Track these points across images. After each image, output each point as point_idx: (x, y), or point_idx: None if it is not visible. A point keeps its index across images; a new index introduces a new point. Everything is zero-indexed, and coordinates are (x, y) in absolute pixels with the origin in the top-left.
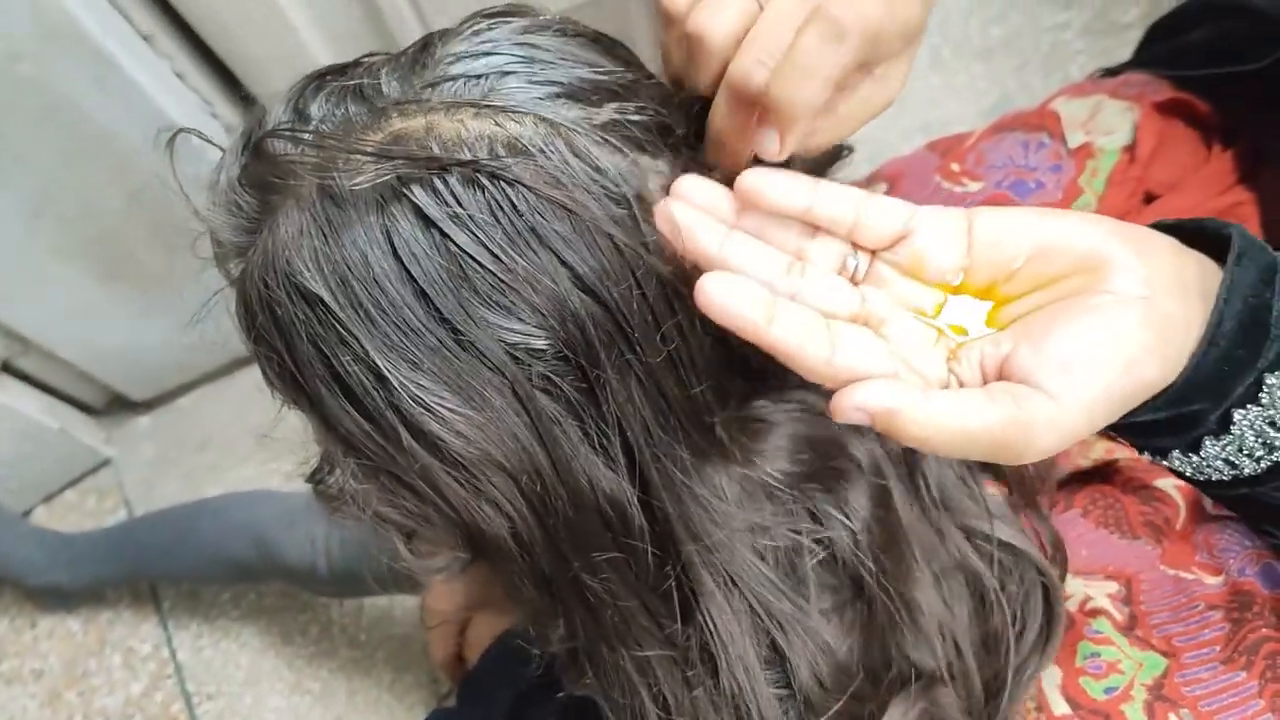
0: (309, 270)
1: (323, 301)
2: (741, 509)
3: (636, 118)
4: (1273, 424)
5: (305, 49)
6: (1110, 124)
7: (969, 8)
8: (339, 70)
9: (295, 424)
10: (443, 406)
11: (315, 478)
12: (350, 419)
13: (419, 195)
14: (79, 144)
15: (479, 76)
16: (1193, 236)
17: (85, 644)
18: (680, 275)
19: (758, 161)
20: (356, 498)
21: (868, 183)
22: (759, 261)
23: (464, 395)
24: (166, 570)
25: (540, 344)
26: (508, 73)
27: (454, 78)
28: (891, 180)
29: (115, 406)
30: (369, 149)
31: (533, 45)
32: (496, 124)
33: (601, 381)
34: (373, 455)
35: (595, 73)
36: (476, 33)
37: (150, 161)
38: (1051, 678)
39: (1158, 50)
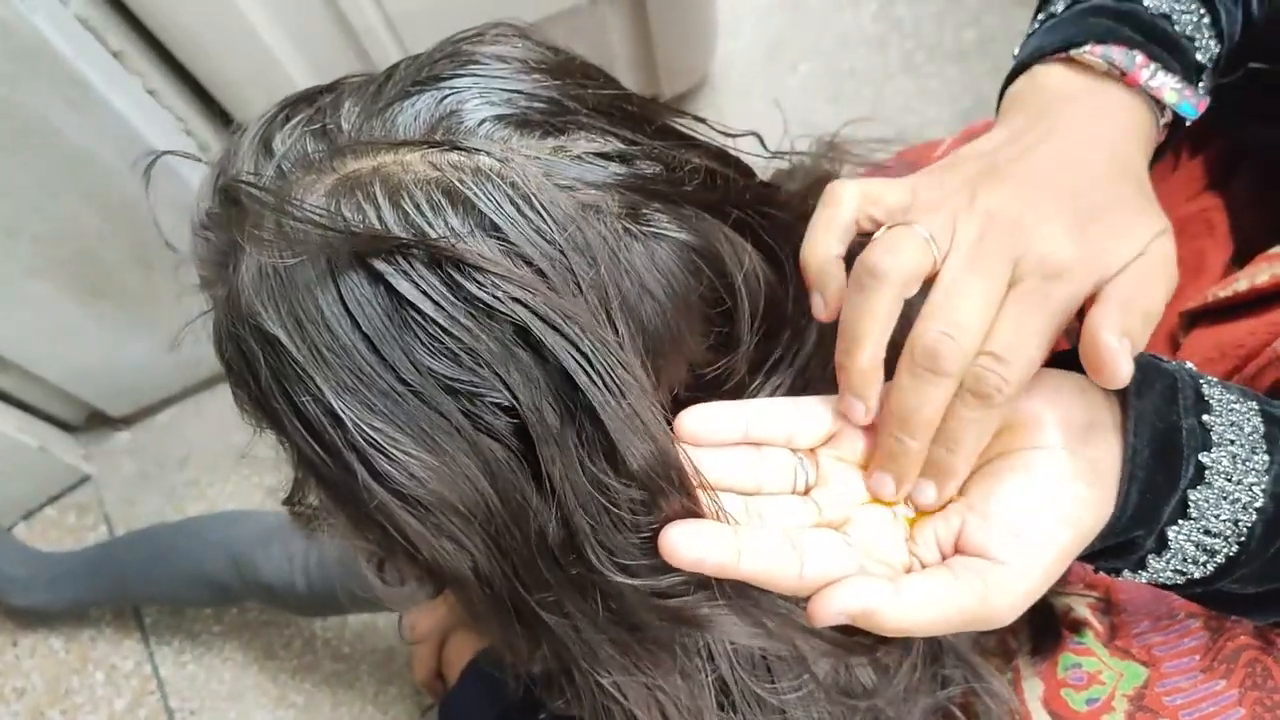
0: (267, 312)
1: (280, 342)
2: None
3: (608, 163)
4: (1207, 533)
5: (279, 65)
6: None
7: (942, 11)
8: (309, 98)
9: (274, 441)
10: (396, 449)
11: (291, 500)
12: (314, 452)
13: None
14: (53, 163)
15: (440, 113)
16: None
17: (68, 661)
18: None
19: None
20: (329, 522)
21: None
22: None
23: (417, 438)
24: (146, 593)
25: (483, 391)
26: (464, 106)
27: (410, 111)
28: None
29: (94, 423)
30: (314, 216)
31: (494, 76)
32: (443, 167)
33: (540, 435)
34: (338, 487)
35: (562, 102)
36: (436, 60)
37: (125, 180)
38: (1033, 690)
39: None
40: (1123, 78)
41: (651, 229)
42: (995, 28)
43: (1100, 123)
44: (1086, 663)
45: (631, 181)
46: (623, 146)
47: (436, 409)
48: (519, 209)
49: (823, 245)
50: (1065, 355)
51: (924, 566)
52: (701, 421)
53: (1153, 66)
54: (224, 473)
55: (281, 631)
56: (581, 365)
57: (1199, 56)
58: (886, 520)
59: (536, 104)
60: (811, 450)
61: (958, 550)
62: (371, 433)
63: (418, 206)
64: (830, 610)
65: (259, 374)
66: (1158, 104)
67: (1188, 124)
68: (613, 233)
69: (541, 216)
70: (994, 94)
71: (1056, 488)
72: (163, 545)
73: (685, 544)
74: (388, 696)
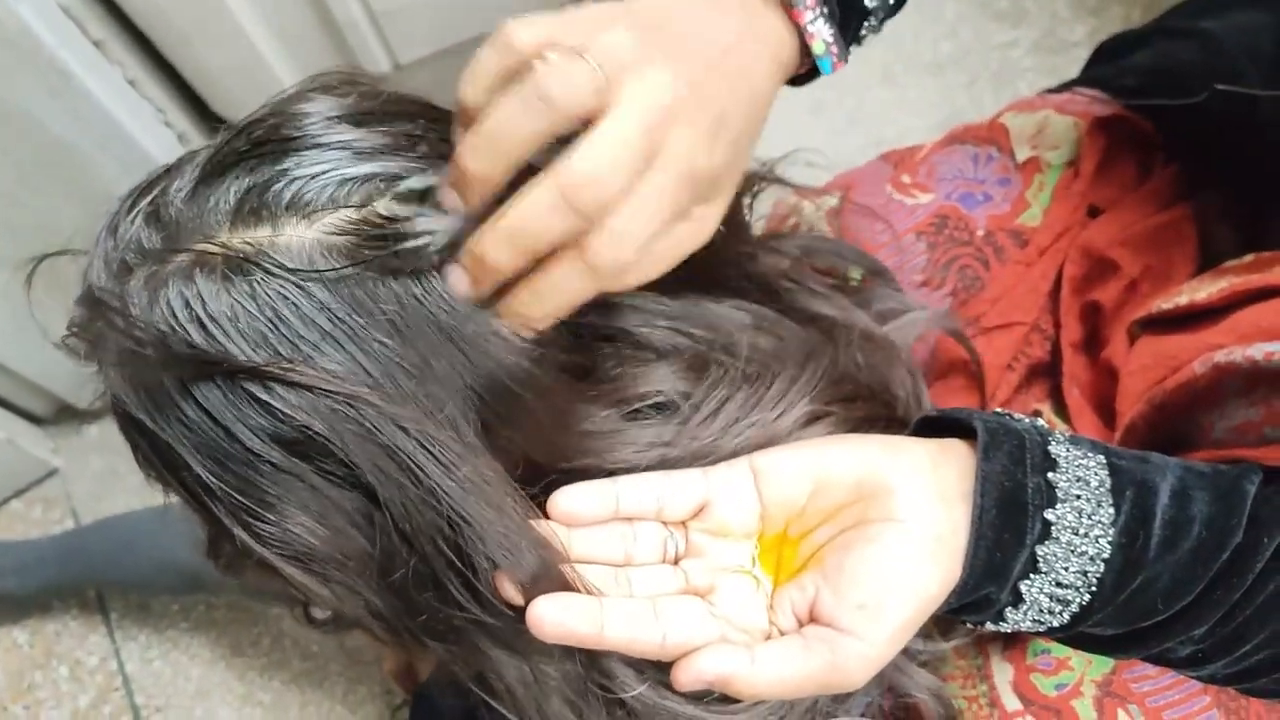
0: (127, 397)
1: (144, 424)
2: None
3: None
4: (1059, 585)
5: (260, 56)
6: (1056, 139)
7: (919, 23)
8: (151, 183)
9: None
10: (268, 511)
11: (209, 553)
12: (204, 517)
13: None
14: (32, 153)
15: (254, 185)
16: (951, 423)
17: (31, 656)
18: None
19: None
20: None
21: (820, 195)
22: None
23: (283, 499)
24: (115, 577)
25: (331, 451)
26: (277, 177)
27: (224, 190)
28: (844, 191)
29: (63, 417)
30: (148, 336)
31: (310, 140)
32: (249, 251)
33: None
34: (236, 543)
35: (380, 158)
36: (253, 126)
37: (105, 171)
38: (1004, 674)
39: (1103, 69)
40: (789, 10)
41: None
42: (971, 40)
43: (761, 52)
44: (1056, 649)
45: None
46: (428, 183)
47: (290, 472)
48: (311, 296)
49: (484, 95)
50: (922, 423)
51: (782, 633)
52: (573, 502)
53: (817, 9)
54: None
55: (249, 629)
56: (416, 464)
57: (868, 2)
58: (750, 588)
59: (342, 162)
60: (682, 523)
61: (812, 619)
62: (241, 498)
63: (233, 308)
64: (690, 676)
65: (142, 452)
66: (805, 45)
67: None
68: (418, 300)
69: (348, 303)
70: (969, 106)
71: (902, 561)
72: (133, 531)
73: (551, 617)
74: (357, 696)
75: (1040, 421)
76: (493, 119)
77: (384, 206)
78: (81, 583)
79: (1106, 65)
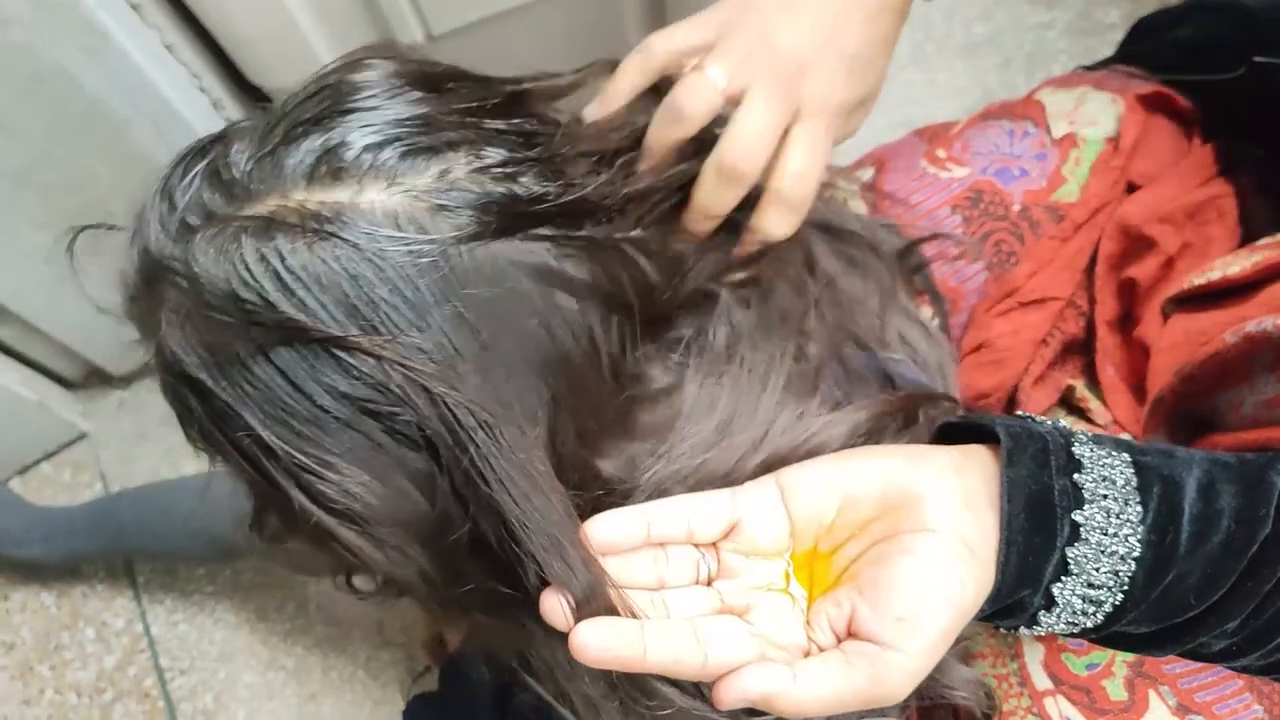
0: (187, 357)
1: (204, 384)
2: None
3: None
4: (1090, 585)
5: (295, 24)
6: (1094, 115)
7: (952, 5)
8: (202, 149)
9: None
10: (329, 470)
11: (254, 526)
12: (258, 483)
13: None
14: (67, 114)
15: (324, 148)
16: (974, 428)
17: (58, 617)
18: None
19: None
20: (292, 542)
21: (854, 169)
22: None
23: (346, 458)
24: (145, 546)
25: (398, 411)
26: (347, 140)
27: (297, 152)
28: (878, 165)
29: (93, 381)
30: (199, 289)
31: (373, 107)
32: (329, 209)
33: (446, 458)
34: (289, 510)
35: (442, 120)
36: (316, 96)
37: (139, 133)
38: (1034, 654)
39: (1141, 46)
40: None
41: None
42: (1005, 23)
43: None
44: None
45: (517, 197)
46: (506, 155)
47: (358, 430)
48: (395, 262)
49: (627, 86)
50: (943, 430)
51: (820, 649)
52: (605, 530)
53: None
54: None
55: (274, 594)
56: (475, 460)
57: None
58: (786, 606)
59: (417, 126)
60: (713, 544)
61: (850, 634)
62: (303, 458)
63: (316, 266)
64: (733, 695)
65: (196, 416)
66: None
67: None
68: (494, 261)
69: (429, 272)
70: (1001, 88)
71: (937, 570)
72: (165, 500)
73: (594, 641)
74: (380, 662)
75: (1063, 423)
76: (649, 135)
77: (465, 176)
78: (111, 551)
79: (1144, 41)
